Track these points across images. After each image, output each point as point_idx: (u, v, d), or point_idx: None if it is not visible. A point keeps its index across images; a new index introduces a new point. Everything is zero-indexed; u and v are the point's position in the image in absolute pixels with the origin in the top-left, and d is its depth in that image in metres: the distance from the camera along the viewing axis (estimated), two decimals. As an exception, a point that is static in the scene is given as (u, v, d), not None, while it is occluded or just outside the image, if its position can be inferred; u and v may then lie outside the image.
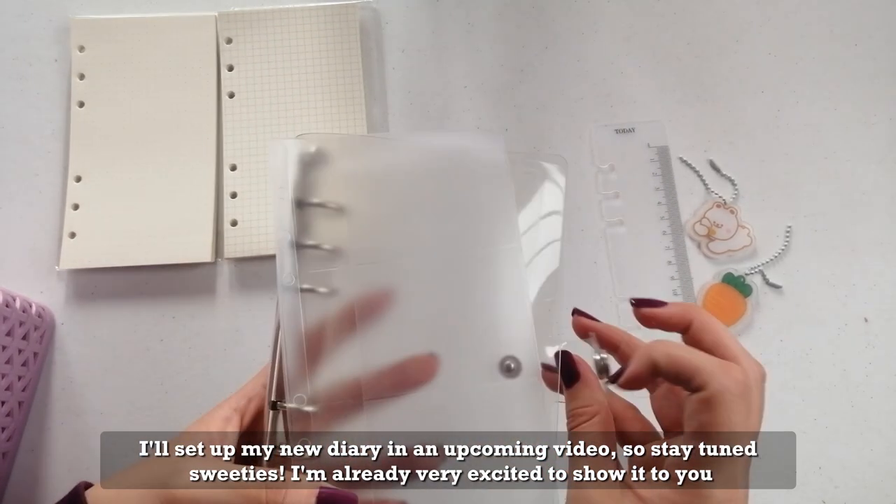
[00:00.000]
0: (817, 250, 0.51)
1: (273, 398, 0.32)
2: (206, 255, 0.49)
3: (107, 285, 0.50)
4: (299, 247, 0.33)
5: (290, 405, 0.31)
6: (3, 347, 0.44)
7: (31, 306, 0.47)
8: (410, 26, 0.54)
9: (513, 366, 0.32)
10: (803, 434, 0.49)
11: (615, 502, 0.27)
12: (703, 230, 0.51)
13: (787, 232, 0.51)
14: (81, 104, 0.51)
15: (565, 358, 0.31)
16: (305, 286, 0.32)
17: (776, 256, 0.51)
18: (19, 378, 0.46)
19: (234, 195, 0.50)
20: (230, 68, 0.52)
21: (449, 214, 0.34)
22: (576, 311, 0.33)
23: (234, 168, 0.51)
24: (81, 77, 0.52)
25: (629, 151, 0.51)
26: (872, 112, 0.53)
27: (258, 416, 0.33)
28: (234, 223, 0.50)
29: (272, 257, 0.50)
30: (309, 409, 0.31)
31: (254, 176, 0.51)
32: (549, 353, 0.33)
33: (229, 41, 0.52)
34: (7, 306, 0.44)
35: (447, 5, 0.55)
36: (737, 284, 0.50)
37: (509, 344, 0.33)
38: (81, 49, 0.52)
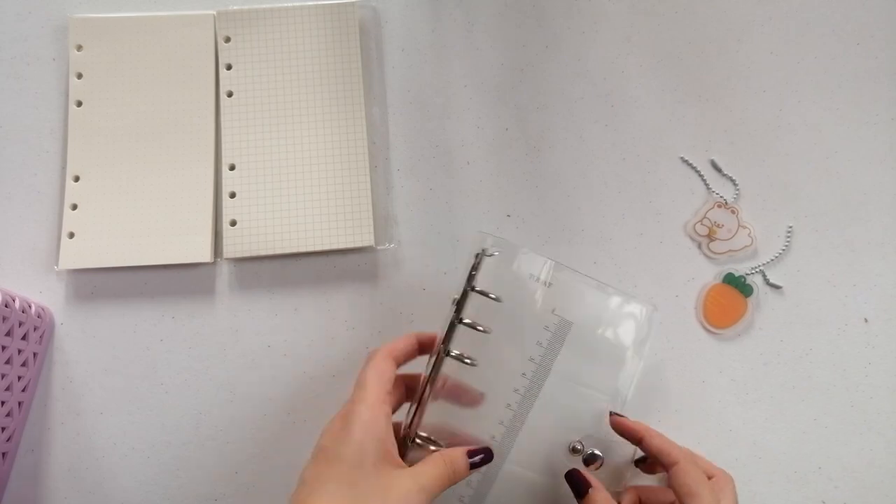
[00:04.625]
0: (818, 250, 0.51)
1: (412, 436, 0.40)
2: (205, 255, 0.49)
3: (106, 285, 0.50)
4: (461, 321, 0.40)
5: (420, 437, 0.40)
6: (3, 347, 0.44)
7: (30, 306, 0.46)
8: (410, 25, 0.54)
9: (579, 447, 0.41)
10: (803, 434, 0.49)
11: None
12: (704, 230, 0.51)
13: (788, 232, 0.51)
14: (80, 103, 0.51)
15: (575, 475, 0.40)
16: (454, 353, 0.40)
17: (777, 256, 0.51)
18: (19, 378, 0.46)
19: (232, 195, 0.50)
20: (229, 67, 0.52)
21: (577, 350, 0.41)
22: (612, 413, 0.41)
23: (232, 168, 0.51)
24: (79, 76, 0.51)
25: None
26: (874, 112, 0.53)
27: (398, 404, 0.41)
28: (233, 223, 0.50)
29: (271, 257, 0.50)
30: (433, 448, 0.40)
31: (253, 176, 0.50)
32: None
33: (228, 40, 0.52)
34: (6, 306, 0.43)
35: (447, 4, 0.55)
36: (737, 285, 0.50)
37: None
38: (79, 48, 0.52)
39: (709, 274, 0.51)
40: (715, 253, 0.51)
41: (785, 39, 0.54)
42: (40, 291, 0.50)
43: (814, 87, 0.53)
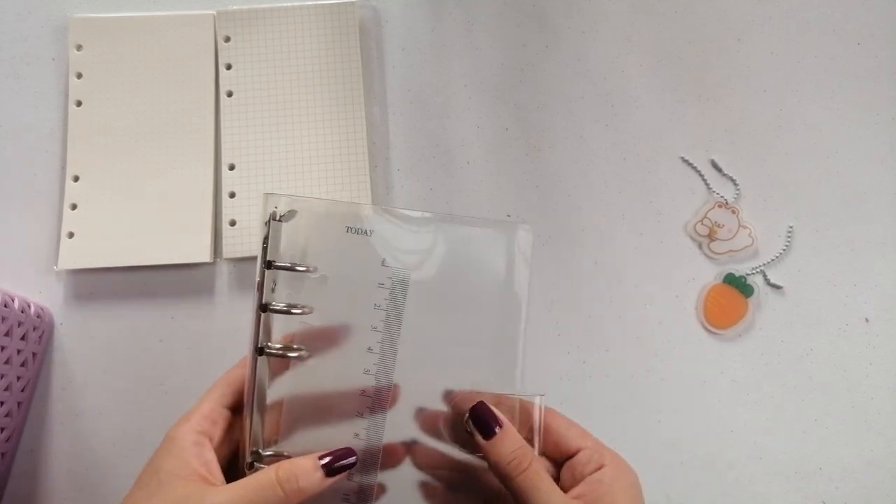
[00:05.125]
0: (818, 250, 0.51)
1: (249, 459, 0.34)
2: (204, 256, 0.49)
3: (105, 285, 0.50)
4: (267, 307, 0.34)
5: (266, 453, 0.34)
6: (2, 348, 0.44)
7: (29, 306, 0.46)
8: (410, 25, 0.54)
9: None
10: (804, 434, 0.49)
11: None
12: (705, 230, 0.51)
13: (789, 232, 0.51)
14: (79, 103, 0.51)
15: (483, 409, 0.33)
16: (274, 349, 0.34)
17: (777, 256, 0.51)
18: (18, 378, 0.46)
19: (232, 195, 0.50)
20: (228, 67, 0.52)
21: (431, 303, 0.35)
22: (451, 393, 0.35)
23: (232, 167, 0.51)
24: (79, 76, 0.51)
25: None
26: (874, 111, 0.53)
27: (226, 436, 0.34)
28: (232, 223, 0.50)
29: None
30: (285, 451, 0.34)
31: (252, 175, 0.50)
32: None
33: (228, 40, 0.52)
34: (6, 306, 0.43)
35: (447, 4, 0.55)
36: (738, 285, 0.50)
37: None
38: (79, 48, 0.52)
39: (709, 274, 0.51)
40: (715, 253, 0.51)
41: (785, 39, 0.54)
42: (40, 291, 0.50)
43: (814, 86, 0.53)
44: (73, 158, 0.50)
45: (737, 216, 0.51)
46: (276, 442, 0.34)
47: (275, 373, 0.34)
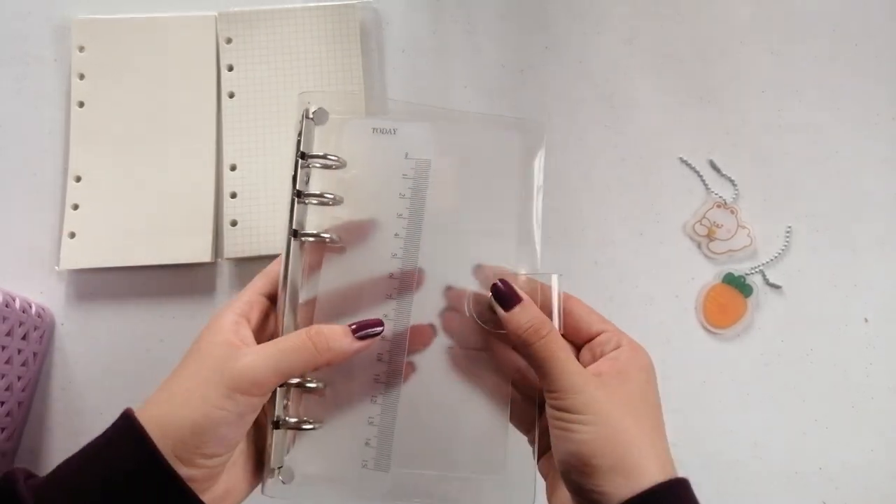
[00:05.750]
0: (818, 250, 0.51)
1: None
2: (205, 256, 0.49)
3: (107, 285, 0.50)
4: (303, 196, 0.36)
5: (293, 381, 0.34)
6: (3, 347, 0.44)
7: (30, 306, 0.46)
8: (411, 27, 0.54)
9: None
10: (804, 435, 0.49)
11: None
12: (704, 230, 0.51)
13: (788, 232, 0.51)
14: (81, 104, 0.51)
15: (505, 285, 0.34)
16: (309, 233, 0.36)
17: (777, 256, 0.51)
18: (19, 378, 0.46)
19: (233, 195, 0.50)
20: (230, 68, 0.52)
21: (448, 193, 0.37)
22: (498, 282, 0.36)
23: (233, 168, 0.51)
24: (81, 77, 0.52)
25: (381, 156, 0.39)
26: (874, 112, 0.53)
27: (263, 322, 0.35)
28: (233, 223, 0.50)
29: (272, 257, 0.50)
30: (313, 385, 0.35)
31: (254, 176, 0.51)
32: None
33: (229, 41, 0.52)
34: (7, 306, 0.43)
35: (448, 5, 0.55)
36: (737, 285, 0.50)
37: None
38: (81, 49, 0.52)
39: (708, 274, 0.51)
40: (714, 253, 0.51)
41: (785, 39, 0.54)
42: (41, 291, 0.50)
43: (814, 87, 0.53)
44: (75, 159, 0.51)
45: (736, 216, 0.51)
46: None
47: (311, 267, 0.36)
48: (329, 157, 0.36)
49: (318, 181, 0.37)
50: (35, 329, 0.47)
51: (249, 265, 0.50)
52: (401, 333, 0.36)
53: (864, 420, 0.49)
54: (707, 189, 0.52)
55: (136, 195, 0.50)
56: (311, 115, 0.37)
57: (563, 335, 0.34)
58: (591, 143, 0.53)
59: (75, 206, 0.50)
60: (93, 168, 0.50)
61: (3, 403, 0.45)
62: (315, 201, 0.36)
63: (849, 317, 0.50)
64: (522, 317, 0.33)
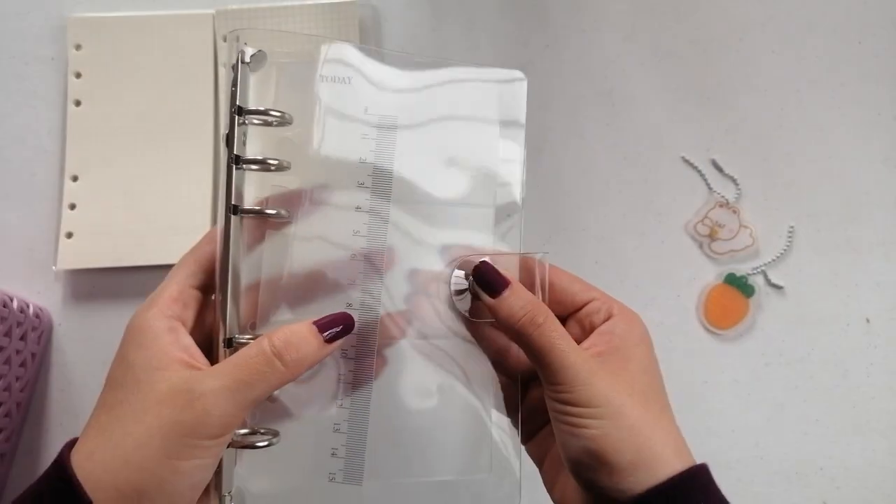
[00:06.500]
0: (819, 250, 0.51)
1: (227, 335, 0.29)
2: (204, 256, 0.49)
3: (104, 286, 0.49)
4: (241, 162, 0.29)
5: (243, 339, 0.29)
6: (1, 348, 0.43)
7: (28, 307, 0.46)
8: (410, 24, 0.54)
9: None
10: (805, 435, 0.49)
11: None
12: (706, 230, 0.51)
13: (790, 232, 0.51)
14: (78, 103, 0.51)
15: (487, 268, 0.30)
16: (250, 209, 0.30)
17: (778, 257, 0.51)
18: (17, 379, 0.46)
19: (232, 195, 0.50)
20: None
21: (423, 153, 0.32)
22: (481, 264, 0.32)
23: (232, 167, 0.50)
24: (78, 76, 0.51)
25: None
26: (876, 111, 0.53)
27: (198, 321, 0.30)
28: (232, 223, 0.50)
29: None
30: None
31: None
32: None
33: (227, 39, 0.52)
34: (4, 307, 0.43)
35: (447, 2, 0.54)
36: (739, 285, 0.50)
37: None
38: (78, 47, 0.51)
39: (710, 274, 0.51)
40: (716, 253, 0.51)
41: (785, 39, 0.54)
42: (38, 292, 0.49)
43: (816, 85, 0.53)
44: (72, 158, 0.50)
45: (738, 216, 0.51)
46: (253, 326, 0.30)
47: (249, 245, 0.30)
48: (271, 112, 0.29)
49: (257, 142, 0.30)
50: (33, 330, 0.47)
51: (248, 265, 0.50)
52: (369, 325, 0.30)
53: (864, 420, 0.49)
54: (709, 188, 0.52)
55: (133, 194, 0.50)
56: (247, 60, 0.30)
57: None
58: (591, 142, 0.52)
59: (72, 206, 0.50)
60: (90, 167, 0.50)
61: (1, 404, 0.45)
62: (256, 167, 0.29)
63: (850, 317, 0.50)
64: (515, 303, 0.29)
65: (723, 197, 0.51)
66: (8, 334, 0.44)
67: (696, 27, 0.54)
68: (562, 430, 0.28)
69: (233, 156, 0.29)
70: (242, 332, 0.30)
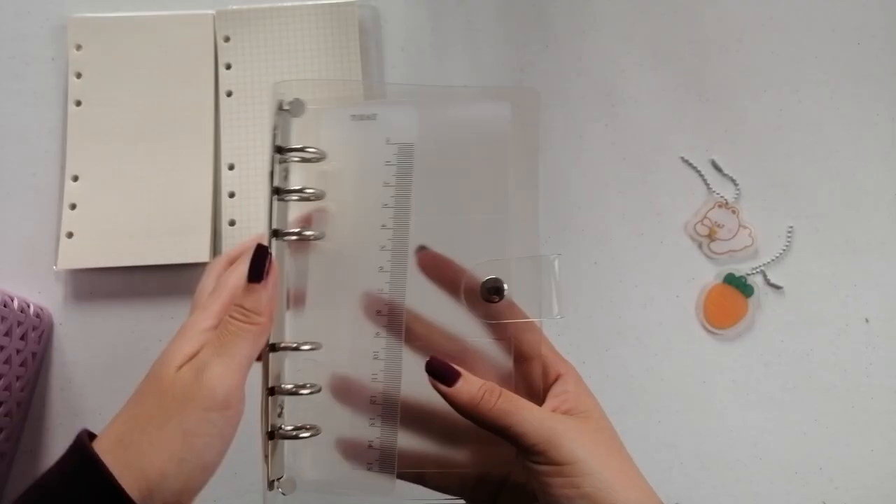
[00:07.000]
0: (819, 250, 0.51)
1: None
2: (204, 255, 0.49)
3: (105, 285, 0.50)
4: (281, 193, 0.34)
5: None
6: (2, 348, 0.44)
7: (28, 306, 0.46)
8: (410, 25, 0.54)
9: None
10: (804, 435, 0.49)
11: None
12: (705, 230, 0.51)
13: (789, 232, 0.51)
14: (78, 103, 0.51)
15: (437, 363, 0.32)
16: (290, 232, 0.34)
17: (778, 257, 0.51)
18: (17, 378, 0.46)
19: (232, 195, 0.50)
20: (228, 67, 0.52)
21: (436, 177, 0.36)
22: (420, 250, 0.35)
23: (231, 167, 0.50)
24: (78, 76, 0.51)
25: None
26: (875, 111, 0.53)
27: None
28: (231, 223, 0.50)
29: (271, 257, 0.50)
30: (307, 390, 0.34)
31: (252, 175, 0.50)
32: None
33: (227, 39, 0.52)
34: (5, 306, 0.43)
35: (447, 3, 0.54)
36: (738, 285, 0.50)
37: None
38: (78, 48, 0.51)
39: (709, 274, 0.51)
40: (715, 253, 0.51)
41: (785, 39, 0.54)
42: (39, 291, 0.49)
43: (815, 86, 0.53)
44: (73, 158, 0.50)
45: (737, 216, 0.51)
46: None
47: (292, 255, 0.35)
48: (307, 149, 0.35)
49: (299, 176, 0.35)
50: (33, 329, 0.47)
51: (248, 265, 0.50)
52: (396, 326, 0.34)
53: (864, 420, 0.49)
54: (708, 189, 0.52)
55: (133, 194, 0.50)
56: (286, 107, 0.35)
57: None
58: (591, 142, 0.52)
59: (73, 206, 0.50)
60: (90, 167, 0.50)
61: (1, 404, 0.45)
62: (295, 197, 0.34)
63: (849, 317, 0.50)
64: (472, 387, 0.31)
65: (722, 197, 0.51)
66: (8, 334, 0.44)
67: (696, 28, 0.54)
68: (550, 494, 0.30)
69: (273, 188, 0.34)
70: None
